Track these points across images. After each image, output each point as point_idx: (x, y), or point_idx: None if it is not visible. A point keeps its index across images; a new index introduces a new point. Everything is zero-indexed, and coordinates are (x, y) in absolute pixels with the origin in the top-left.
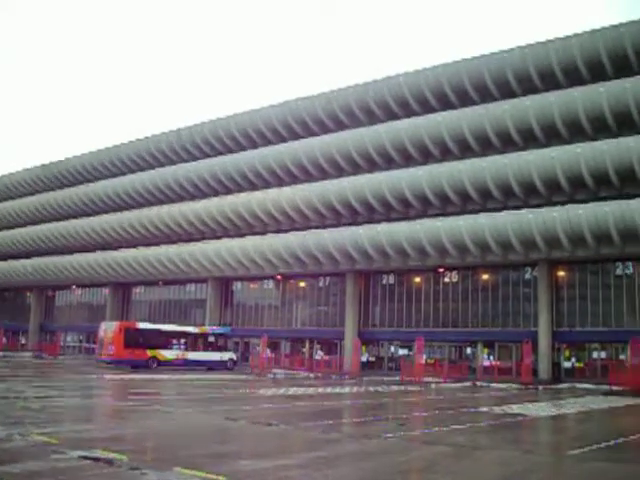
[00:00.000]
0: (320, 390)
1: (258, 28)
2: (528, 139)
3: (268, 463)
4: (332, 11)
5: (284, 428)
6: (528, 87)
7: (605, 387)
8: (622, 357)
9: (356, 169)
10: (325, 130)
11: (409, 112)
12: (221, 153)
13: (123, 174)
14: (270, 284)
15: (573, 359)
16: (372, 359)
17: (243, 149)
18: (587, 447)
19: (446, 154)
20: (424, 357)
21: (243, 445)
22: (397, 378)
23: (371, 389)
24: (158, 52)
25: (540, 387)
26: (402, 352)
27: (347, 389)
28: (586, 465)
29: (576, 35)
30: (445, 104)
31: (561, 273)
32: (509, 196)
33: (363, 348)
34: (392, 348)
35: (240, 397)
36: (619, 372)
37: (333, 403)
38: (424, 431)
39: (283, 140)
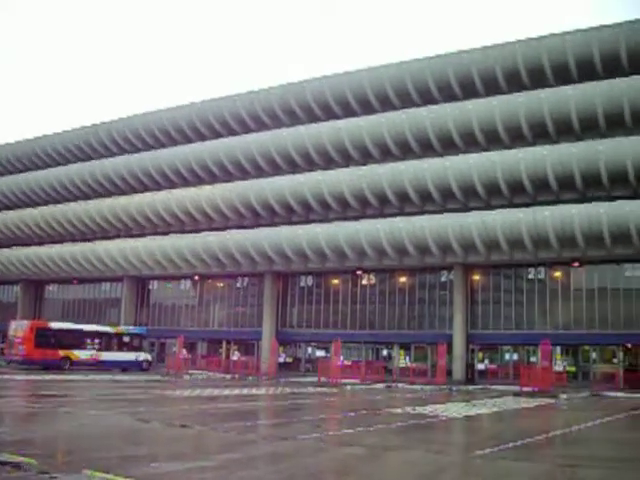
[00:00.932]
0: (236, 391)
1: (187, 25)
2: (447, 145)
3: (181, 465)
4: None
5: (199, 430)
6: (448, 94)
7: (516, 388)
8: (533, 359)
9: (277, 170)
10: (246, 130)
11: (330, 115)
12: (140, 150)
13: (38, 169)
14: (188, 284)
15: (486, 361)
16: (289, 360)
17: (163, 146)
18: (497, 447)
19: (367, 157)
20: (341, 358)
21: (156, 447)
22: (314, 379)
23: (288, 390)
24: (80, 46)
25: (454, 388)
26: (319, 353)
27: (263, 390)
28: (495, 464)
29: (495, 45)
30: (367, 108)
31: (476, 277)
32: (427, 200)
33: (280, 349)
34: (309, 349)
35: (154, 398)
36: (530, 374)
37: (249, 404)
38: (339, 432)
39: (204, 139)
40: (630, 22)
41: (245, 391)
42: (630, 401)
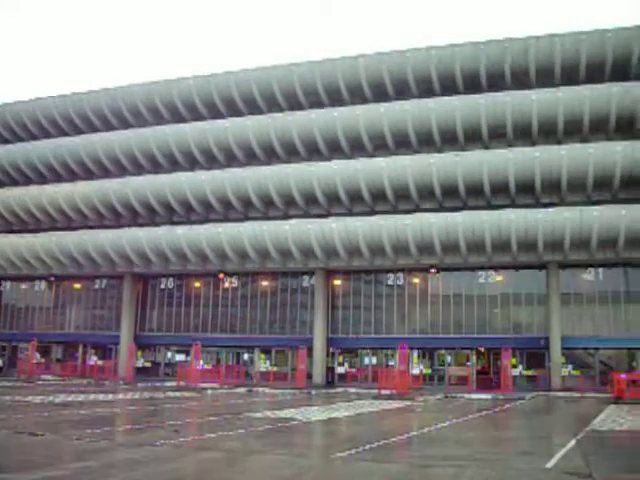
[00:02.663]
0: (92, 397)
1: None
2: (312, 151)
3: (32, 475)
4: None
5: (51, 437)
6: (315, 100)
7: (375, 391)
8: (391, 363)
9: (139, 169)
10: (109, 127)
11: (197, 115)
12: None
13: None
14: (42, 285)
15: (346, 364)
16: (148, 365)
17: (21, 140)
18: (356, 449)
19: (232, 160)
20: (201, 363)
21: (5, 457)
22: (174, 384)
23: (146, 395)
24: None
25: (314, 392)
26: (179, 357)
27: (121, 396)
28: (353, 465)
29: (361, 55)
30: (234, 111)
31: (337, 282)
32: (291, 205)
33: (139, 353)
34: (169, 353)
35: (3, 405)
36: (388, 377)
37: (105, 410)
38: (198, 437)
39: (64, 134)
40: (487, 42)
41: (101, 397)
42: (481, 402)
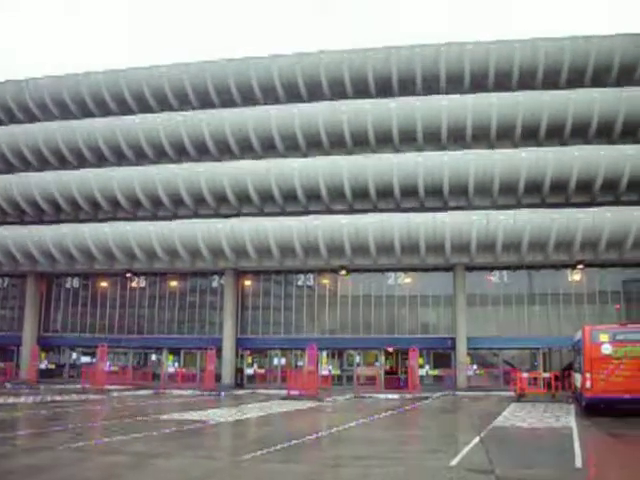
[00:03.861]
0: None
1: None
2: (223, 150)
3: None
4: None
5: None
6: (227, 98)
7: (284, 392)
8: (301, 363)
9: (45, 165)
10: (14, 121)
11: (106, 111)
12: None
13: None
14: None
15: (255, 365)
16: (52, 367)
17: None
18: (264, 450)
19: (141, 157)
20: (108, 364)
21: None
22: (79, 386)
23: (49, 398)
24: None
25: (223, 393)
26: (85, 359)
27: (22, 399)
28: (262, 467)
29: (276, 56)
30: (145, 107)
31: (247, 282)
32: (200, 204)
33: (43, 355)
34: (74, 355)
35: None
36: (297, 378)
37: (5, 414)
38: (103, 441)
39: None
40: (399, 47)
41: (1, 400)
42: (389, 402)
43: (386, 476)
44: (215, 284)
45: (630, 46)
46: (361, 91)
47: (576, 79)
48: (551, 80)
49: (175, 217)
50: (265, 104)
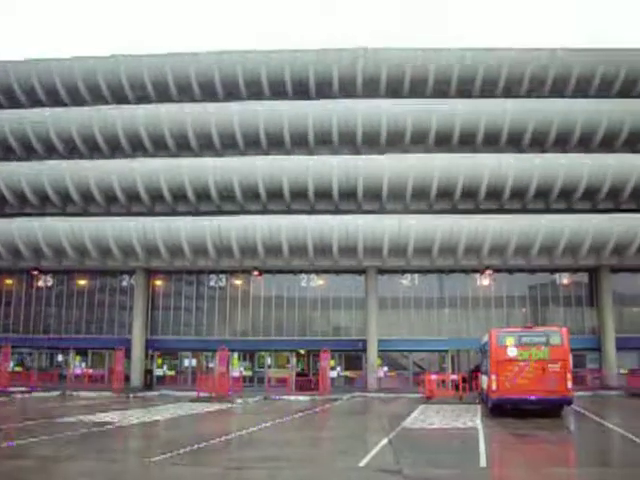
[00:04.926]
0: None
1: None
2: (136, 147)
3: None
4: None
5: None
6: (142, 95)
7: (194, 394)
8: (212, 365)
9: None
10: None
11: (15, 103)
12: None
13: None
14: None
15: (165, 367)
16: None
17: None
18: (171, 452)
19: (51, 152)
20: (11, 365)
21: None
22: None
23: None
24: None
25: (131, 395)
26: None
27: None
28: (168, 470)
29: (193, 53)
30: (55, 100)
31: (158, 282)
32: (112, 202)
33: None
34: None
35: None
36: (207, 379)
37: None
38: (5, 445)
39: None
40: (316, 50)
41: None
42: (300, 404)
43: (294, 478)
44: (125, 283)
45: (533, 60)
46: (279, 92)
47: (489, 89)
48: (465, 88)
49: (86, 214)
50: (180, 101)
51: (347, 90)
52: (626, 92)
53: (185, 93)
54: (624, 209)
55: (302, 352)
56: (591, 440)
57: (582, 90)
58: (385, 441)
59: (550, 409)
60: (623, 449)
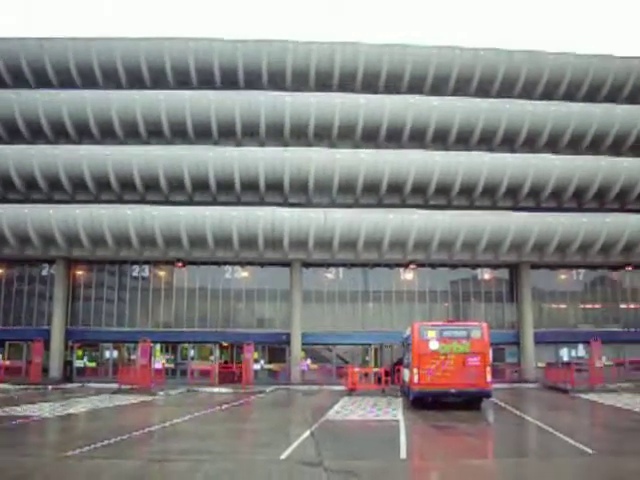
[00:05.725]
0: None
1: None
2: (60, 133)
3: None
4: None
5: None
6: (65, 79)
7: (116, 386)
8: (134, 357)
9: None
10: None
11: None
12: None
13: None
14: None
15: (86, 358)
16: None
17: None
18: (90, 445)
19: None
20: None
21: None
22: None
23: None
24: None
25: (50, 387)
26: None
27: None
28: (86, 463)
29: (118, 39)
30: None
31: (80, 272)
32: (32, 189)
33: None
34: None
35: None
36: (129, 371)
37: None
38: None
39: None
40: (245, 41)
41: None
42: (222, 396)
43: (215, 471)
44: (45, 273)
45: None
46: (207, 81)
47: (416, 85)
48: (393, 84)
49: (4, 201)
50: (106, 88)
51: (276, 82)
52: (549, 94)
53: (111, 79)
54: (544, 207)
55: (225, 344)
56: (509, 432)
57: (506, 90)
58: (307, 433)
59: (470, 402)
60: (539, 440)
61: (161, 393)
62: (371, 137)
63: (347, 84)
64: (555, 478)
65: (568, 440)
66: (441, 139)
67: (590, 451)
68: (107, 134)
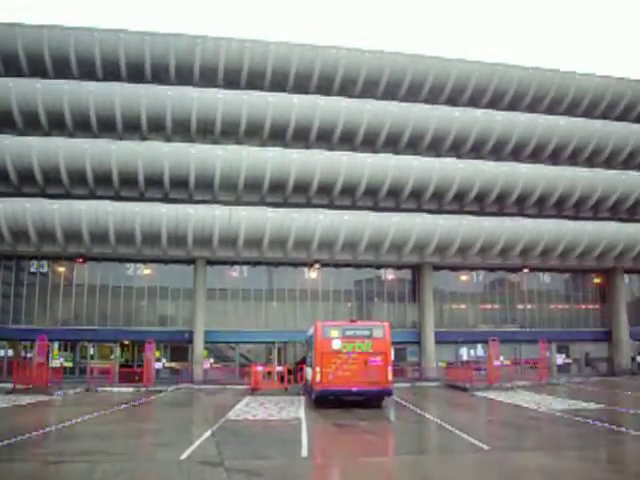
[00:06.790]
0: None
1: None
2: None
3: None
4: None
5: None
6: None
7: (10, 385)
8: (30, 355)
9: None
10: None
11: None
12: None
13: None
14: None
15: None
16: None
17: None
18: None
19: None
20: None
21: None
22: None
23: None
24: None
25: None
26: None
27: None
28: None
29: (18, 25)
30: None
31: None
32: None
33: None
34: None
35: None
36: (24, 370)
37: None
38: None
39: None
40: (153, 33)
41: None
42: (123, 395)
43: (114, 472)
44: None
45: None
46: (112, 73)
47: (325, 86)
48: (302, 84)
49: None
50: (7, 76)
51: (184, 77)
52: (454, 100)
53: (12, 68)
54: (447, 210)
55: (127, 343)
56: (409, 429)
57: (413, 94)
58: (209, 433)
59: (372, 400)
60: (438, 437)
61: (59, 393)
62: (278, 136)
63: (256, 82)
64: (452, 474)
65: (465, 437)
66: (348, 140)
67: (486, 447)
68: (6, 124)
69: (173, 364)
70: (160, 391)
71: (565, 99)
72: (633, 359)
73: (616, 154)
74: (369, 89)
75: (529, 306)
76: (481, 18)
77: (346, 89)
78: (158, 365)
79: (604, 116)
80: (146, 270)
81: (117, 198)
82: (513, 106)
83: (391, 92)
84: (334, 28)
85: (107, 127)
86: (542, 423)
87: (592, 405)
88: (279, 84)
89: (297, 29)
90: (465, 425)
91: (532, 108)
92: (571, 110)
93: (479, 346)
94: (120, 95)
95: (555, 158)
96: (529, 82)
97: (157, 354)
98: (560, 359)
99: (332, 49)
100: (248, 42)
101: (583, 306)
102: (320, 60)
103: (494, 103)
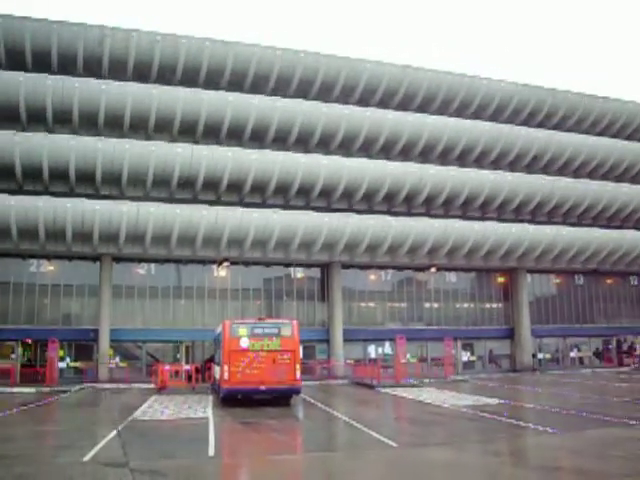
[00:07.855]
0: None
1: None
2: None
3: None
4: None
5: None
6: None
7: None
8: None
9: None
10: None
11: None
12: None
13: None
14: None
15: None
16: None
17: None
18: None
19: None
20: None
21: None
22: None
23: None
24: None
25: None
26: None
27: None
28: None
29: None
30: None
31: None
32: None
33: None
34: None
35: None
36: None
37: None
38: None
39: None
40: (60, 22)
41: None
42: (24, 397)
43: (12, 476)
44: None
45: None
46: (17, 63)
47: (237, 82)
48: (213, 80)
49: None
50: None
51: (93, 70)
52: (366, 100)
53: None
54: (356, 209)
55: (29, 341)
56: (317, 427)
57: (325, 93)
58: (113, 434)
59: (280, 398)
60: (346, 435)
61: None
62: (189, 132)
63: (167, 76)
64: (360, 471)
65: (373, 434)
66: (259, 138)
67: (394, 444)
68: None
69: (78, 363)
70: (64, 391)
71: (473, 103)
72: (534, 356)
73: (521, 157)
74: (281, 87)
75: (436, 304)
76: (401, 20)
77: (258, 86)
78: (62, 364)
79: (510, 120)
80: (50, 267)
81: (20, 192)
82: (423, 108)
83: (303, 90)
84: (250, 26)
85: (10, 119)
86: (448, 419)
87: (495, 401)
88: (191, 79)
89: (211, 25)
90: (373, 422)
91: (441, 110)
92: (479, 113)
93: (387, 344)
94: (24, 85)
95: (462, 160)
96: (439, 85)
97: (61, 353)
98: (465, 356)
99: (245, 46)
100: (159, 35)
101: (487, 305)
102: (232, 56)
103: (405, 105)
